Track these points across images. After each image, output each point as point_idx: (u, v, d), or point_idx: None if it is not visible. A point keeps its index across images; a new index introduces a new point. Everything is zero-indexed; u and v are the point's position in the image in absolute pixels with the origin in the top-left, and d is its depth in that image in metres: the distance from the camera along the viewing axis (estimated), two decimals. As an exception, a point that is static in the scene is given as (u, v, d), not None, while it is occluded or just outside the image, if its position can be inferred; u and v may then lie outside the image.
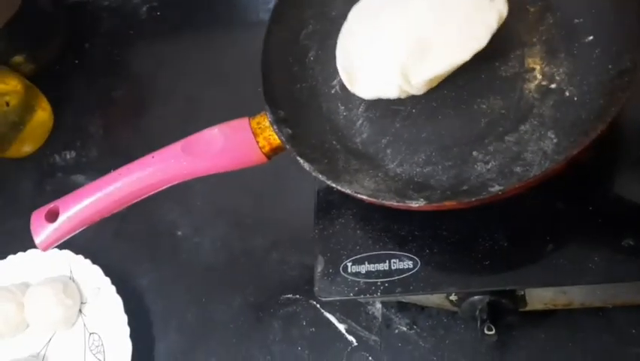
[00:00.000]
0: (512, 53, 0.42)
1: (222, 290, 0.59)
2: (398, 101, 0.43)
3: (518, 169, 0.38)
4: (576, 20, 0.42)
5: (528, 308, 0.46)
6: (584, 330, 0.49)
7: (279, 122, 0.43)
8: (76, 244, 0.60)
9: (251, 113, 0.45)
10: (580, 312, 0.48)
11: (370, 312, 0.54)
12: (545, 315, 0.49)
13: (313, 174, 0.41)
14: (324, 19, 0.49)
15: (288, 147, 0.42)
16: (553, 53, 0.41)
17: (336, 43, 0.46)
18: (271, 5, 0.70)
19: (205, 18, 0.75)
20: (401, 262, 0.44)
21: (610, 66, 0.39)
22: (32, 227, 0.44)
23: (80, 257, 0.62)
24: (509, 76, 0.42)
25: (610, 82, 0.38)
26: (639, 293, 0.45)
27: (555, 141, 0.39)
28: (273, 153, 0.44)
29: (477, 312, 0.45)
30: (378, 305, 0.54)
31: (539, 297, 0.46)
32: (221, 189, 0.63)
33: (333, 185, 0.40)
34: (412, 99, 0.43)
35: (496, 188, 0.37)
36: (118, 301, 0.58)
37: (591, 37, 0.41)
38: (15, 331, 0.61)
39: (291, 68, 0.47)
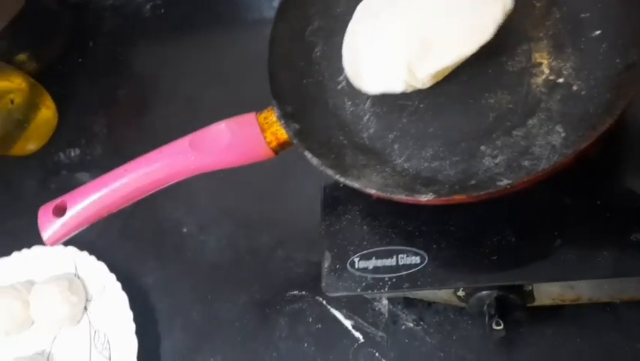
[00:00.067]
0: (519, 47, 0.42)
1: (228, 288, 0.59)
2: (405, 97, 0.43)
3: (527, 163, 0.38)
4: (582, 15, 0.42)
5: (536, 304, 0.46)
6: (591, 326, 0.48)
7: (286, 117, 0.43)
8: (81, 241, 0.60)
9: (255, 111, 0.45)
10: (587, 308, 0.48)
11: (377, 308, 0.54)
12: (553, 311, 0.49)
13: (321, 168, 0.40)
14: (328, 16, 0.49)
15: (295, 141, 0.42)
16: (560, 48, 0.41)
17: (341, 39, 0.46)
18: (275, 4, 0.71)
19: (209, 17, 0.75)
20: (408, 258, 0.44)
21: (617, 60, 0.39)
22: (40, 222, 0.44)
23: (85, 254, 0.62)
24: (516, 70, 0.42)
25: (617, 76, 0.38)
26: (647, 288, 0.45)
27: (563, 135, 0.38)
28: (281, 148, 0.44)
29: (485, 307, 0.44)
30: (385, 301, 0.54)
31: (547, 292, 0.46)
32: (226, 187, 0.63)
33: (342, 180, 0.40)
34: (419, 94, 0.43)
35: (505, 182, 0.37)
36: (123, 299, 0.58)
37: (598, 32, 0.41)
38: (20, 328, 0.61)
39: (298, 64, 0.47)
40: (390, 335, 0.53)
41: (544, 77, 0.41)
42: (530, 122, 0.40)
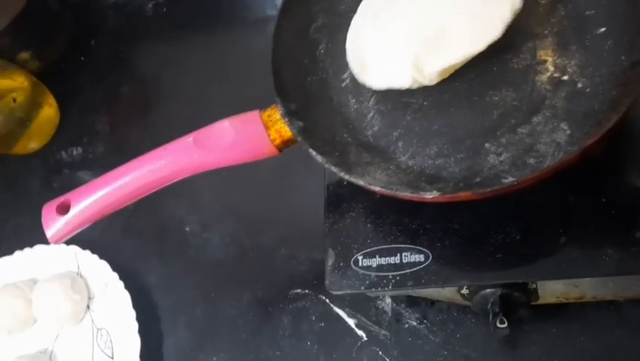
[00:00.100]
0: (524, 45, 0.42)
1: (231, 286, 0.59)
2: (409, 94, 0.43)
3: (532, 160, 0.38)
4: (587, 12, 0.42)
5: (540, 302, 0.46)
6: (595, 324, 0.48)
7: (290, 114, 0.43)
8: (83, 239, 0.59)
9: (258, 109, 0.45)
10: (591, 306, 0.48)
11: (380, 307, 0.54)
12: (557, 309, 0.49)
13: (326, 166, 0.40)
14: (332, 13, 0.49)
15: (299, 139, 0.42)
16: (564, 45, 0.41)
17: (345, 37, 0.46)
18: (277, 2, 0.71)
19: (211, 15, 0.75)
20: (412, 256, 0.44)
21: (622, 57, 0.39)
22: (43, 220, 0.44)
23: (88, 253, 0.62)
24: (521, 68, 0.42)
25: (623, 73, 0.38)
26: (651, 286, 0.45)
27: (568, 132, 0.38)
28: (284, 145, 0.44)
29: (489, 305, 0.44)
30: (388, 300, 0.54)
31: (551, 290, 0.46)
32: (229, 184, 0.63)
33: (346, 177, 0.40)
34: (423, 92, 0.43)
35: (510, 179, 0.37)
36: (126, 297, 0.58)
37: (603, 29, 0.41)
38: (23, 327, 0.61)
39: (301, 62, 0.47)
40: (394, 334, 0.53)
41: (549, 74, 0.41)
42: (535, 119, 0.40)
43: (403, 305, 0.53)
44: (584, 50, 0.41)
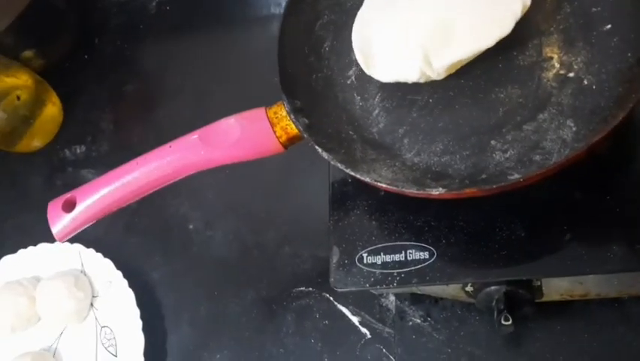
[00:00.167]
0: (530, 41, 0.42)
1: (234, 284, 0.59)
2: (415, 91, 0.43)
3: (537, 157, 0.38)
4: (593, 9, 0.41)
5: (544, 299, 0.46)
6: (599, 321, 0.48)
7: (296, 111, 0.43)
8: (87, 237, 0.60)
9: (263, 106, 0.45)
10: (596, 303, 0.48)
11: (384, 304, 0.54)
12: (561, 306, 0.49)
13: (332, 162, 0.40)
14: (338, 11, 0.49)
15: (305, 136, 0.42)
16: (570, 42, 0.41)
17: (351, 34, 0.46)
18: (281, 0, 0.71)
19: (215, 13, 0.75)
20: (417, 253, 0.44)
21: (629, 54, 0.39)
22: (49, 217, 0.44)
23: (92, 251, 0.62)
24: (527, 65, 0.41)
25: (629, 70, 0.38)
26: (656, 283, 0.45)
27: (574, 129, 0.38)
28: (290, 142, 0.44)
29: (493, 303, 0.44)
30: (392, 297, 0.54)
31: (556, 287, 0.46)
32: (232, 182, 0.63)
33: (352, 174, 0.40)
34: (429, 89, 0.43)
35: (515, 176, 0.37)
36: (130, 295, 0.58)
37: (609, 26, 0.40)
38: (27, 324, 0.61)
39: (307, 59, 0.47)
40: (398, 331, 0.53)
41: (554, 71, 0.41)
42: (541, 116, 0.40)
43: (406, 303, 0.53)
44: (590, 46, 0.41)
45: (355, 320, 0.55)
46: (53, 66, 0.76)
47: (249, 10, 0.75)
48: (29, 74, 0.70)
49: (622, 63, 0.39)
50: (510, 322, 0.44)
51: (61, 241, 0.44)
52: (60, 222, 0.43)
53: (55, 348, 0.61)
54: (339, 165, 0.40)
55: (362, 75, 0.45)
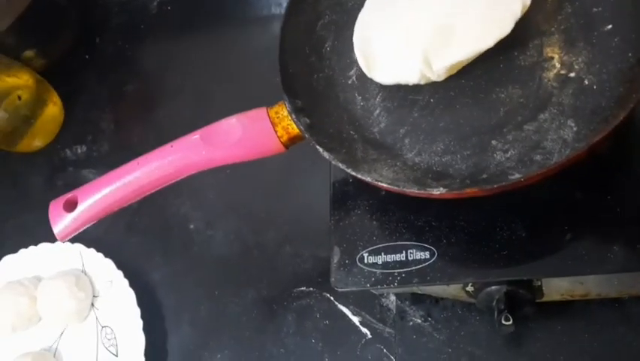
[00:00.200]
0: (531, 42, 0.42)
1: (235, 284, 0.59)
2: (416, 91, 0.43)
3: (538, 157, 0.38)
4: (594, 9, 0.42)
5: (545, 299, 0.46)
6: (600, 321, 0.49)
7: (297, 111, 0.43)
8: (88, 237, 0.59)
9: (264, 106, 0.45)
10: (596, 303, 0.48)
11: (384, 304, 0.54)
12: (562, 306, 0.49)
13: (333, 162, 0.40)
14: (339, 11, 0.49)
15: (306, 136, 0.42)
16: (571, 42, 0.41)
17: (352, 34, 0.46)
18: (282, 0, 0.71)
19: (216, 12, 0.75)
20: (418, 253, 0.44)
21: (629, 54, 0.39)
22: (50, 216, 0.44)
23: (92, 250, 0.62)
24: (528, 65, 0.42)
25: (630, 70, 0.38)
26: (657, 284, 0.45)
27: (575, 129, 0.38)
28: (291, 142, 0.44)
29: (494, 303, 0.44)
30: (393, 297, 0.54)
31: (556, 287, 0.46)
32: (233, 182, 0.63)
33: (353, 174, 0.40)
34: (430, 89, 0.43)
35: (516, 176, 0.37)
36: (130, 295, 0.58)
37: (610, 26, 0.41)
38: (27, 324, 0.61)
39: (308, 59, 0.47)
40: (398, 331, 0.53)
41: (555, 71, 0.41)
42: (542, 116, 0.40)
43: (407, 303, 0.53)
44: (591, 47, 0.41)
45: (356, 319, 0.55)
46: (54, 66, 0.76)
47: (250, 10, 0.75)
48: (30, 73, 0.70)
49: (623, 63, 0.39)
50: (510, 322, 0.44)
51: (63, 240, 0.44)
52: (62, 221, 0.44)
53: (56, 348, 0.61)
54: (340, 164, 0.40)
55: (363, 75, 0.45)
